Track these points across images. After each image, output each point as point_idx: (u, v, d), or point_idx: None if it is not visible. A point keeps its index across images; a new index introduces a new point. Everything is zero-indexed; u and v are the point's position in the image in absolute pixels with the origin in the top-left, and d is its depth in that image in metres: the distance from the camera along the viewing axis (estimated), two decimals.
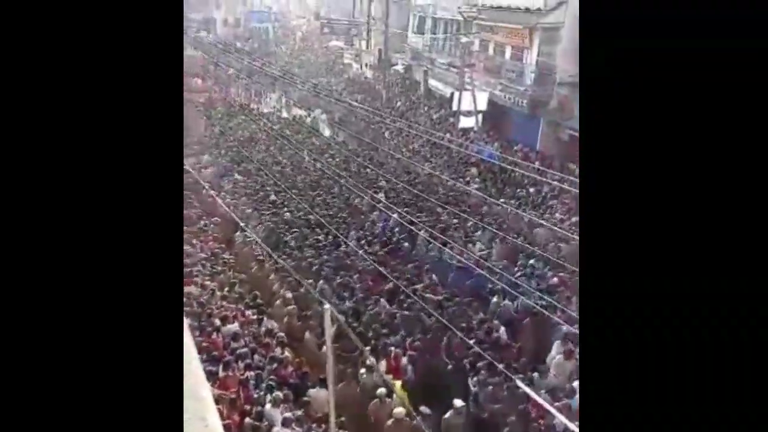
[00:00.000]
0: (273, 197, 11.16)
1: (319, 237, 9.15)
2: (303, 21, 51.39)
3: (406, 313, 6.75)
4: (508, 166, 11.04)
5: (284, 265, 6.86)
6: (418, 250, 9.01)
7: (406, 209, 9.97)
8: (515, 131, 17.21)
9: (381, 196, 10.80)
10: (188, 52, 19.66)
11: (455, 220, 9.74)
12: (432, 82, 22.68)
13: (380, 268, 7.19)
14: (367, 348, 5.75)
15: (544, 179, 9.85)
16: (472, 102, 16.71)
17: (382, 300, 7.10)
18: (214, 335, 6.32)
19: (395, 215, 9.55)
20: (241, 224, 8.33)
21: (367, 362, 5.44)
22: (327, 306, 4.01)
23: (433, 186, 11.85)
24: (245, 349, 6.10)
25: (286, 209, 10.55)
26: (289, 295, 7.17)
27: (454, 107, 17.51)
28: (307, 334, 6.45)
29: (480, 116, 17.08)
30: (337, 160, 13.73)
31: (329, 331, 3.98)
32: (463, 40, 17.68)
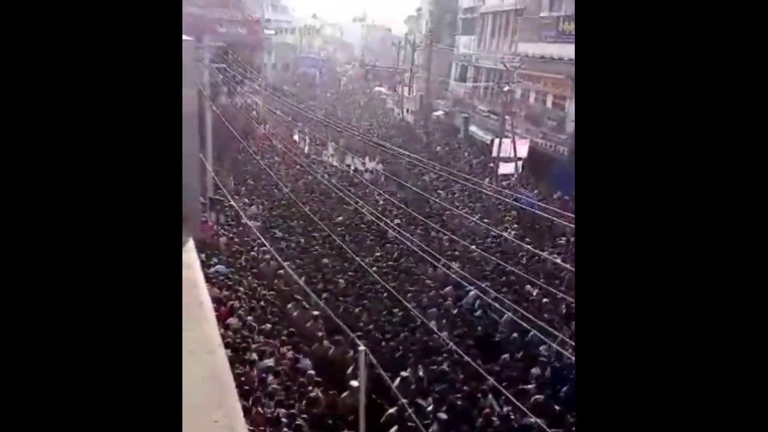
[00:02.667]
0: (326, 260, 9.80)
1: (394, 310, 7.83)
2: (348, 67, 53.58)
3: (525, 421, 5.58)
4: (546, 215, 10.81)
5: (366, 353, 5.21)
6: (505, 333, 7.60)
7: (486, 284, 8.25)
8: (556, 179, 17.08)
9: (455, 264, 9.10)
10: (246, 99, 19.35)
11: (546, 300, 8.25)
12: (472, 129, 22.97)
13: (475, 364, 5.72)
14: None
15: None
16: (513, 149, 16.78)
17: (489, 396, 6.00)
18: (247, 368, 6.37)
19: (474, 290, 8.12)
20: (313, 296, 7.10)
21: None
22: (362, 348, 4.03)
23: (513, 254, 10.31)
24: (277, 386, 6.10)
25: (341, 276, 9.15)
26: (356, 384, 6.00)
27: (494, 153, 17.61)
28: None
29: (520, 163, 17.08)
30: (399, 219, 11.77)
31: (363, 373, 3.99)
32: (505, 88, 17.95)
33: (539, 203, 13.15)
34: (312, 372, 6.50)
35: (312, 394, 6.09)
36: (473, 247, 9.72)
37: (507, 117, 17.27)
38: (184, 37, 3.87)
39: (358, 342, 4.62)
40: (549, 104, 19.12)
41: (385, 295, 8.17)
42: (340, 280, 8.97)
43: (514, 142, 16.75)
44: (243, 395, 5.75)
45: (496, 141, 17.50)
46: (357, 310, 7.91)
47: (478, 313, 8.20)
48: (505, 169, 17.20)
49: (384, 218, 10.49)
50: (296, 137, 20.57)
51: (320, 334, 7.19)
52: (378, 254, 10.27)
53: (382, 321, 7.73)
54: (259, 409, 5.76)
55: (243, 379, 6.11)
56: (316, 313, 7.45)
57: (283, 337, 7.32)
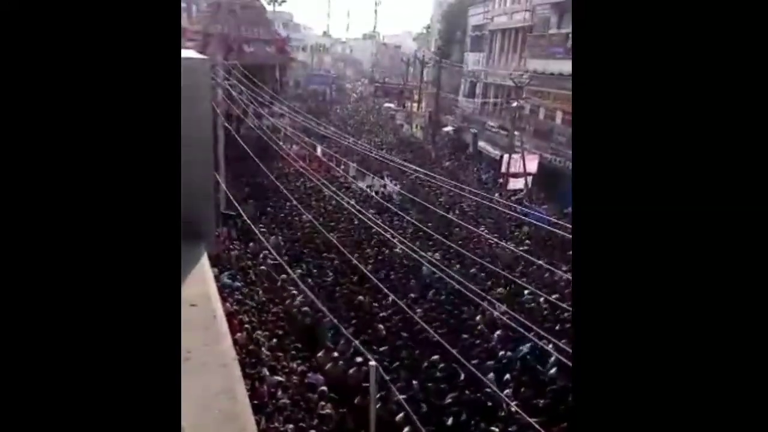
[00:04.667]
0: (361, 297, 8.82)
1: (438, 363, 6.78)
2: (358, 84, 54.18)
3: None
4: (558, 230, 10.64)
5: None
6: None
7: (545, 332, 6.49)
8: (566, 194, 17.05)
9: (502, 307, 7.51)
10: (273, 121, 17.40)
11: None
12: (481, 144, 23.04)
13: None
14: None
15: None
16: (522, 164, 16.81)
17: None
18: (257, 384, 6.38)
19: (533, 343, 6.54)
20: (361, 348, 5.94)
21: None
22: (372, 363, 4.04)
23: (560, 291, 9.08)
24: (286, 401, 6.11)
25: (380, 317, 8.13)
26: None
27: (504, 169, 17.64)
28: None
29: (530, 178, 17.09)
30: (433, 252, 10.59)
31: (374, 387, 4.00)
32: (514, 104, 18.05)
33: (549, 218, 13.11)
34: (324, 388, 6.49)
35: (324, 411, 6.08)
36: (533, 291, 8.05)
37: (516, 132, 17.33)
38: (198, 55, 3.97)
39: (370, 358, 4.43)
40: (558, 120, 19.16)
41: (416, 348, 7.14)
42: (380, 326, 7.84)
43: (523, 157, 16.79)
44: (254, 409, 5.75)
45: (506, 156, 17.55)
46: (396, 364, 6.85)
47: (553, 371, 6.76)
48: (515, 184, 17.21)
49: (415, 249, 9.01)
50: (320, 158, 18.22)
51: (365, 385, 6.53)
52: (417, 295, 9.06)
53: (430, 376, 6.70)
54: (270, 425, 5.75)
55: (251, 393, 6.12)
56: (369, 362, 6.35)
57: (293, 352, 7.33)
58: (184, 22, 24.58)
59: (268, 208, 14.16)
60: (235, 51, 20.93)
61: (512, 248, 10.06)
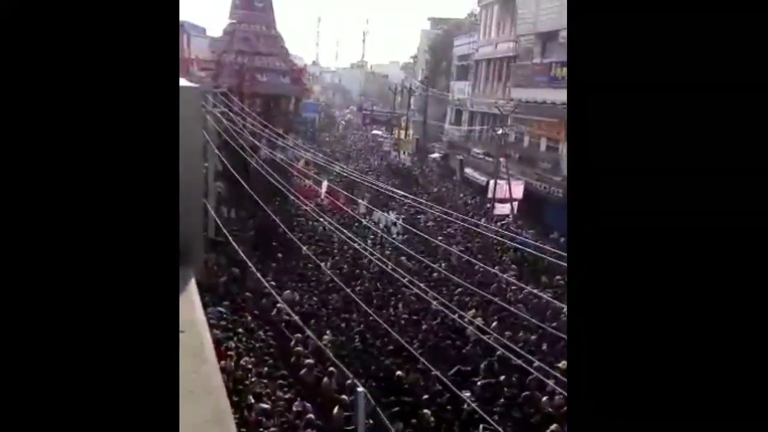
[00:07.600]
0: (400, 373, 7.24)
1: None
2: (347, 112, 54.81)
3: None
4: (542, 255, 10.31)
5: None
6: None
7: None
8: (552, 219, 17.26)
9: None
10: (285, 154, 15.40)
11: None
12: (468, 170, 23.34)
13: None
14: None
15: None
16: (508, 190, 17.04)
17: None
18: (245, 413, 6.28)
19: None
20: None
21: None
22: (360, 389, 4.02)
23: None
24: (274, 429, 6.02)
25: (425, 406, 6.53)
26: None
27: (490, 194, 17.84)
28: None
29: (515, 204, 17.30)
30: (476, 310, 9.35)
31: (361, 414, 3.97)
32: (499, 131, 18.39)
33: (535, 243, 13.22)
34: (311, 416, 6.42)
35: None
36: None
37: (502, 159, 17.62)
38: (189, 84, 4.05)
39: (357, 383, 4.20)
40: (543, 147, 19.55)
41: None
42: (426, 412, 6.37)
43: (509, 183, 17.03)
44: None
45: (492, 182, 17.78)
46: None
47: None
48: (501, 210, 17.40)
49: (457, 310, 7.78)
50: (325, 194, 15.98)
51: None
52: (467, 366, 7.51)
53: None
54: None
55: (237, 421, 6.01)
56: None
57: (281, 381, 7.24)
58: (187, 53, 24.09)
59: (279, 254, 12.41)
60: (248, 80, 20.67)
61: (536, 292, 9.16)
